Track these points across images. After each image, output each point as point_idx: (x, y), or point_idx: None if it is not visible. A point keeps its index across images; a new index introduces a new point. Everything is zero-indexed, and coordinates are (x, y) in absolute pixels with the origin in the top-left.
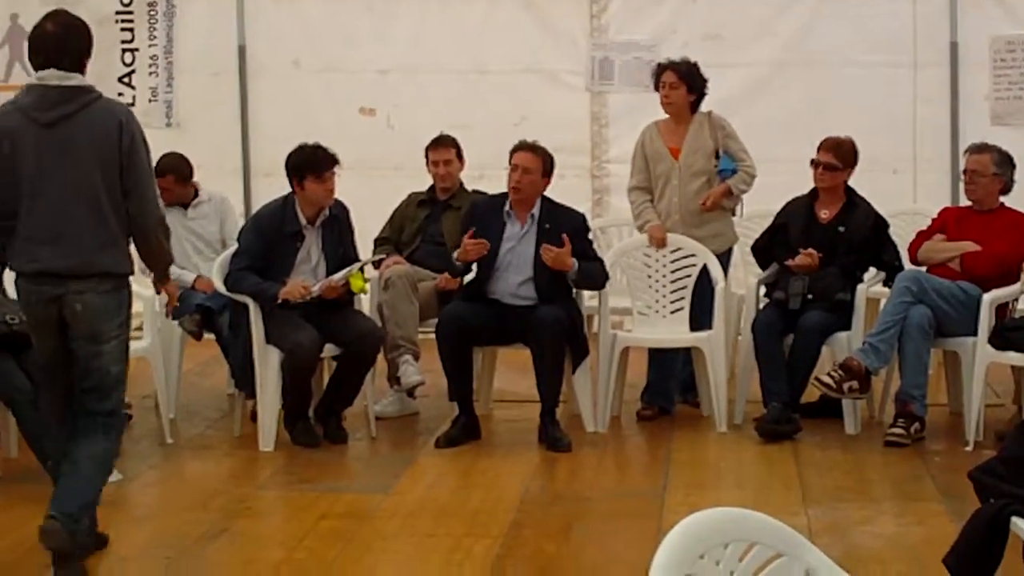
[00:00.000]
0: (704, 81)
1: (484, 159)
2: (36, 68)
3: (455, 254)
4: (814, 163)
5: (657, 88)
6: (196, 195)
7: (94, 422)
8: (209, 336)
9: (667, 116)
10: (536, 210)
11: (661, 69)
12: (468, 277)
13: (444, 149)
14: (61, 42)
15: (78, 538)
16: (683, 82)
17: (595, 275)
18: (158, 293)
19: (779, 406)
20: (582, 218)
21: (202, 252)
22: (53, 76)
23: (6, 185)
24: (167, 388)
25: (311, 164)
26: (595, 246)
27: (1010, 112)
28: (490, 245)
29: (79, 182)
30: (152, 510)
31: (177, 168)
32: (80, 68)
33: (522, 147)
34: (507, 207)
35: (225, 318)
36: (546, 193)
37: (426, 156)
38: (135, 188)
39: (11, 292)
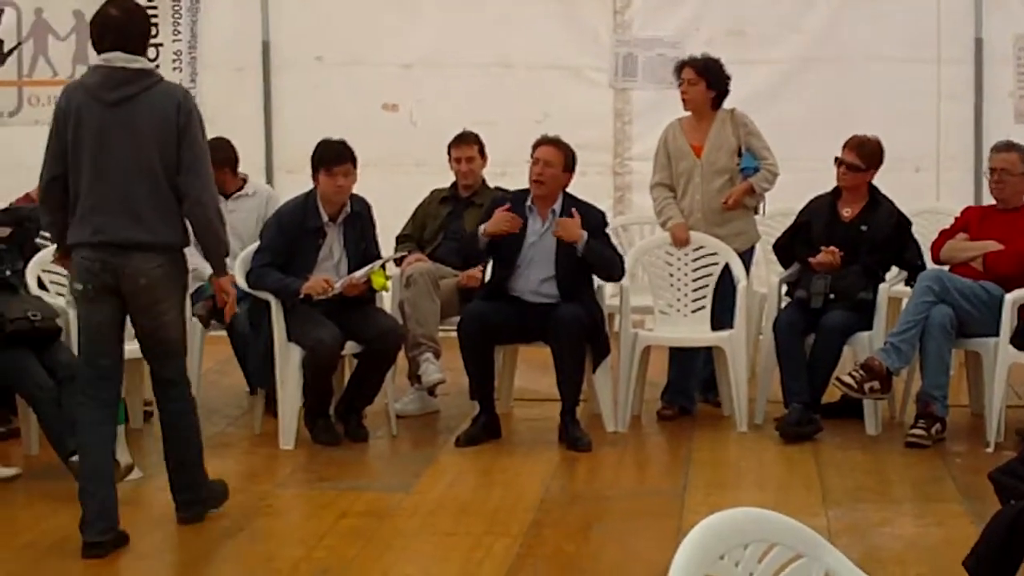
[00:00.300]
0: (726, 78)
1: (507, 156)
2: (101, 51)
3: (481, 228)
4: (838, 161)
5: (679, 84)
6: (241, 187)
7: (169, 396)
8: (219, 333)
9: (690, 113)
10: (557, 206)
11: (681, 65)
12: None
13: (467, 146)
14: (125, 26)
15: (207, 502)
16: (702, 78)
17: (607, 257)
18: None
19: (800, 407)
20: (602, 215)
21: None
22: (119, 58)
23: (64, 159)
24: None
25: (323, 158)
26: (616, 244)
27: None
28: (517, 229)
29: (139, 159)
30: (172, 508)
31: (217, 152)
32: (143, 51)
33: (544, 141)
34: (529, 202)
35: (242, 310)
36: (568, 189)
37: (449, 153)
38: (190, 166)
39: (33, 288)
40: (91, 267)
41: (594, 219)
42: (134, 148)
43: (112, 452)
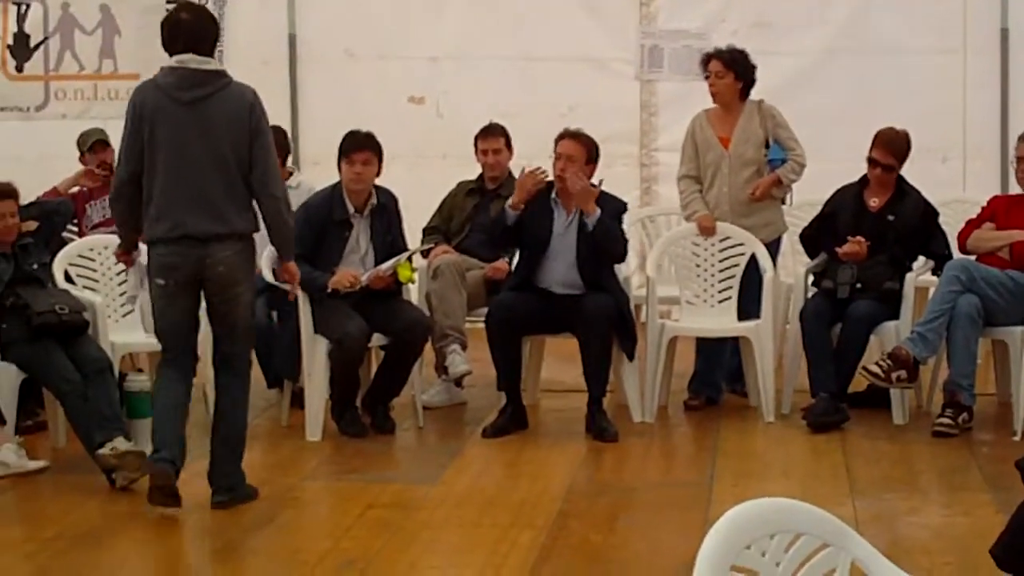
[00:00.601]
0: (753, 69)
1: (533, 148)
2: (173, 52)
3: (508, 202)
4: (871, 162)
5: (706, 77)
6: (287, 179)
7: (231, 371)
8: None
9: (717, 105)
10: None
11: (708, 58)
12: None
13: (493, 138)
14: (196, 30)
15: (241, 491)
16: (729, 70)
17: (614, 235)
18: (275, 276)
19: (827, 396)
20: (623, 205)
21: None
22: (192, 60)
23: (141, 156)
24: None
25: (344, 146)
26: (643, 235)
27: None
28: (543, 184)
29: (215, 156)
30: (200, 500)
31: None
32: (212, 53)
33: (566, 135)
34: (553, 195)
35: (261, 300)
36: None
37: (475, 145)
38: (262, 162)
39: (60, 282)
40: (171, 262)
41: (612, 208)
42: (210, 146)
43: (183, 418)
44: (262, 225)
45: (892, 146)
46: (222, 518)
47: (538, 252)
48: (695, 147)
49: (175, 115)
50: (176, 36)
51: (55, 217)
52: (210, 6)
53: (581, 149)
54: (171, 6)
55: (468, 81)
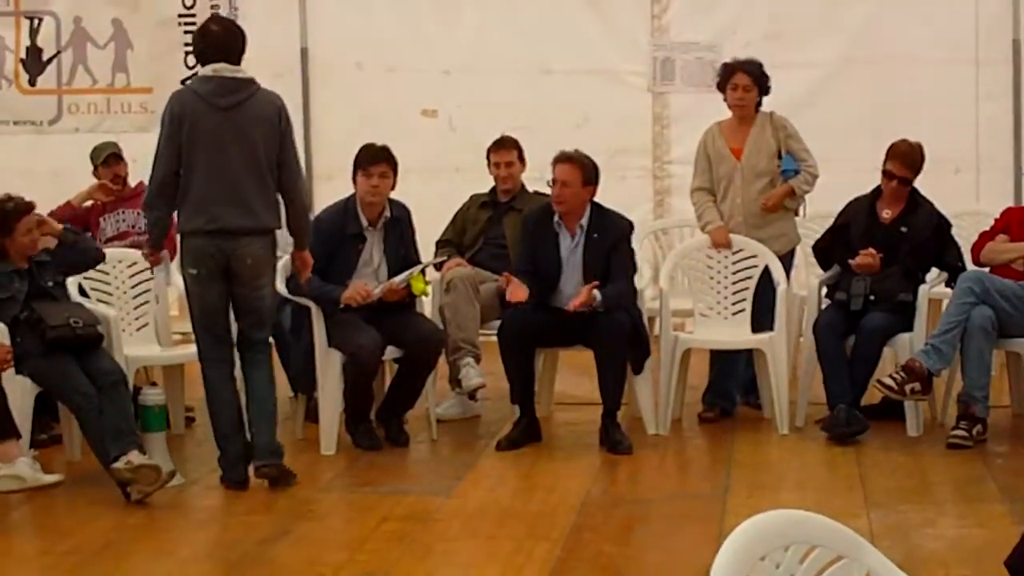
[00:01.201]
0: (769, 80)
1: (546, 160)
2: (205, 63)
3: (507, 295)
4: (887, 174)
5: (720, 88)
6: None
7: (256, 351)
8: None
9: (729, 117)
10: (585, 220)
11: (732, 70)
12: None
13: (506, 151)
14: (227, 41)
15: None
16: (756, 85)
17: (618, 300)
18: (293, 263)
19: (845, 408)
20: (628, 225)
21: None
22: (226, 69)
23: (179, 157)
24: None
25: (360, 159)
26: (656, 247)
27: None
28: (547, 258)
29: (248, 156)
30: (215, 512)
31: None
32: (240, 62)
33: (560, 159)
34: (556, 218)
35: (286, 314)
36: (602, 193)
37: (488, 158)
38: (289, 161)
39: (74, 295)
40: (205, 251)
41: (619, 229)
42: (245, 147)
43: (238, 401)
44: None
45: (908, 159)
46: (238, 530)
47: (553, 278)
48: (708, 159)
49: (213, 119)
50: (207, 47)
51: (78, 256)
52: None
53: (576, 172)
54: (183, 20)
55: (481, 94)
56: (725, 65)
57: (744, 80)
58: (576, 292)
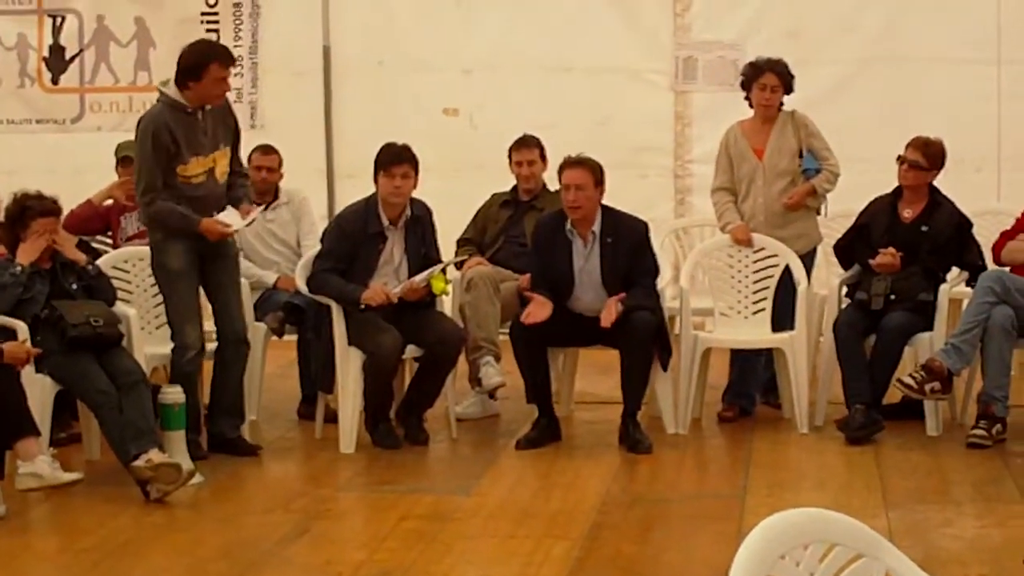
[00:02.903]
0: (793, 80)
1: None
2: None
3: (526, 314)
4: (900, 159)
5: (745, 87)
6: (276, 197)
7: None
8: (291, 337)
9: (751, 116)
10: (597, 226)
11: (760, 70)
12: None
13: (528, 150)
14: None
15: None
16: (782, 84)
17: (642, 301)
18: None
19: (863, 408)
20: (644, 227)
21: (282, 253)
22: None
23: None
24: (249, 390)
25: (381, 159)
26: (677, 247)
27: None
28: (560, 268)
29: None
30: (234, 511)
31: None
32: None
33: (568, 164)
34: (568, 225)
35: (310, 314)
36: (623, 192)
37: (509, 157)
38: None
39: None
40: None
41: (636, 233)
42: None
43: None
44: (272, 239)
45: (925, 149)
46: (257, 529)
47: (567, 289)
48: (729, 159)
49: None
50: None
51: (91, 280)
52: (245, 17)
53: (587, 176)
54: (206, 19)
55: (502, 92)
56: (752, 64)
57: (773, 80)
58: (593, 298)
